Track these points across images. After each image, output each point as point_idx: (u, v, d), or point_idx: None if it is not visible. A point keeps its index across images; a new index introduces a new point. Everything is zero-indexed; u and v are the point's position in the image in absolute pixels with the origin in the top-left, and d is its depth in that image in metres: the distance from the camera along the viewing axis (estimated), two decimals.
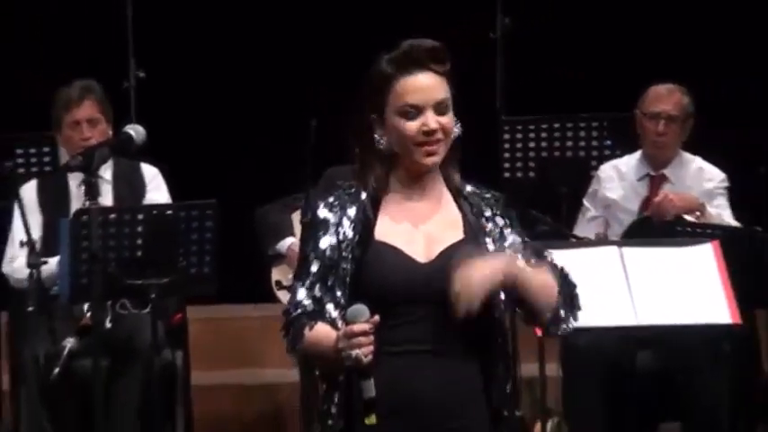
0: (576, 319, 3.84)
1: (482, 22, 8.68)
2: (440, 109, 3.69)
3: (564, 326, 3.77)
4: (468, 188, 3.89)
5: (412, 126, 3.62)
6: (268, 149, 9.15)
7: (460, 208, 3.82)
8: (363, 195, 3.77)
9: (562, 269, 3.84)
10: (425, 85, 3.65)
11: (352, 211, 3.77)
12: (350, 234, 3.71)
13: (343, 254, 3.71)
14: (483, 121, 7.88)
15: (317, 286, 3.74)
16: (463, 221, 3.79)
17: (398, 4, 9.53)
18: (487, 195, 3.90)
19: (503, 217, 3.87)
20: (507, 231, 3.86)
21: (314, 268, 3.74)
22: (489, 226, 3.85)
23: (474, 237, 3.78)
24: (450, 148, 3.79)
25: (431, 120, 3.60)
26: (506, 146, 7.55)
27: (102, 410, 6.37)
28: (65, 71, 8.17)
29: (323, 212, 3.77)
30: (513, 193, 6.92)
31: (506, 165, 7.54)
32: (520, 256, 3.82)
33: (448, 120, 3.71)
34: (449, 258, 3.68)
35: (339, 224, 3.73)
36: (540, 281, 3.76)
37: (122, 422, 6.75)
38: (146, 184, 7.13)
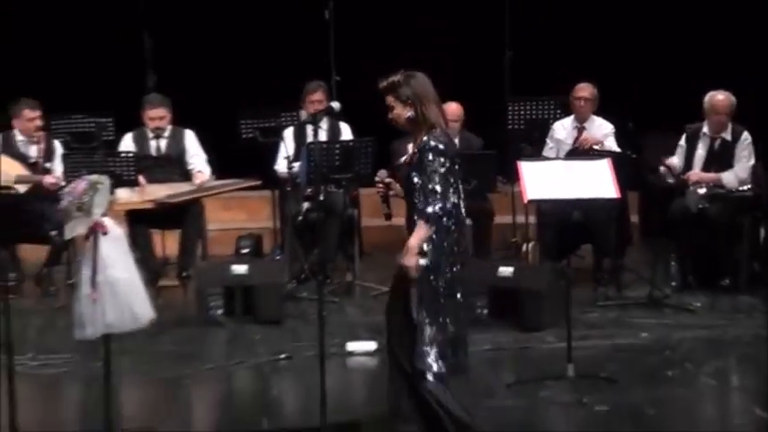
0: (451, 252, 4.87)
1: None
2: (390, 109, 4.97)
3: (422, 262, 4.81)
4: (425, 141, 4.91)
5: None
6: None
7: (414, 153, 4.95)
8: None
9: (429, 218, 4.80)
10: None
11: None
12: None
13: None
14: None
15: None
16: (411, 157, 4.99)
17: None
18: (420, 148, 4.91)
19: (420, 161, 4.88)
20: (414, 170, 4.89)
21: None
22: (414, 161, 4.94)
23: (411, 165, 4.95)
24: (408, 124, 4.97)
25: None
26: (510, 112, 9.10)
27: (322, 238, 8.18)
28: None
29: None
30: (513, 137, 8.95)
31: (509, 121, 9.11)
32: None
33: (392, 115, 4.97)
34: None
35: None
36: (405, 248, 4.84)
37: (328, 246, 8.36)
38: (341, 132, 8.83)
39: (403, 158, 5.22)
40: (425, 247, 4.85)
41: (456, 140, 8.69)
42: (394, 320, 5.00)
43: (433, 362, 4.86)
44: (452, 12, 9.93)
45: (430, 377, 4.86)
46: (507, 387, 6.13)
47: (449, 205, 4.86)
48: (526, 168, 6.28)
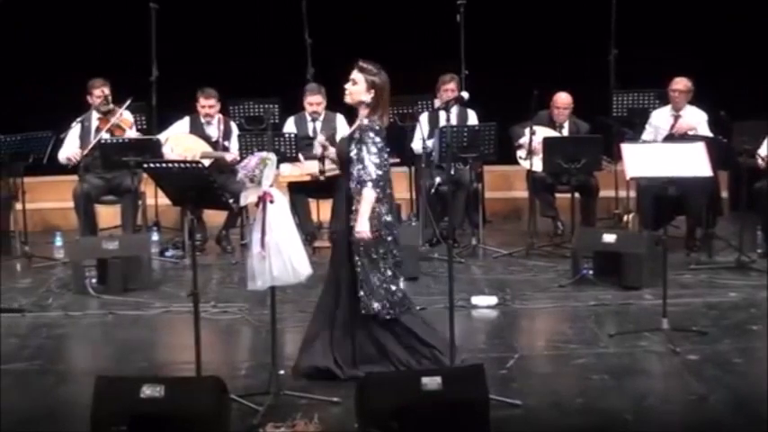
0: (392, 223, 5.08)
1: None
2: (353, 83, 5.08)
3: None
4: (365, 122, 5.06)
5: None
6: None
7: (354, 131, 5.12)
8: None
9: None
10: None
11: None
12: None
13: None
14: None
15: None
16: (351, 133, 5.12)
17: None
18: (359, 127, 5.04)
19: (360, 138, 5.03)
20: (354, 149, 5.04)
21: None
22: (356, 137, 5.06)
23: (351, 139, 5.09)
24: (359, 104, 5.06)
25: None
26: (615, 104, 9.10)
27: (451, 208, 7.97)
28: None
29: None
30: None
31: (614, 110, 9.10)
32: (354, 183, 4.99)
33: (351, 88, 5.06)
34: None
35: None
36: (359, 215, 4.98)
37: (456, 215, 8.45)
38: (468, 117, 8.76)
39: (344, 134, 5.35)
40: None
41: (566, 125, 8.74)
42: (343, 279, 5.14)
43: (379, 303, 5.10)
44: (565, 12, 9.89)
45: (383, 314, 5.10)
46: (609, 337, 6.07)
47: (381, 172, 5.00)
48: (628, 150, 6.26)
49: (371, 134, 4.98)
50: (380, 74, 5.08)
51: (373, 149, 4.96)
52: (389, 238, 5.12)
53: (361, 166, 5.01)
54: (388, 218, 5.12)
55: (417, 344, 5.23)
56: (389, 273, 5.21)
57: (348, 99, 5.13)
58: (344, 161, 5.11)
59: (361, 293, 5.11)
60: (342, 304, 5.17)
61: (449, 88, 8.63)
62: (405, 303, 5.23)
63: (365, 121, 4.99)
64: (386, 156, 5.06)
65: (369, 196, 4.99)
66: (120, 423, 4.24)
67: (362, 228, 4.97)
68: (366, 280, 5.09)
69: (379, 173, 5.01)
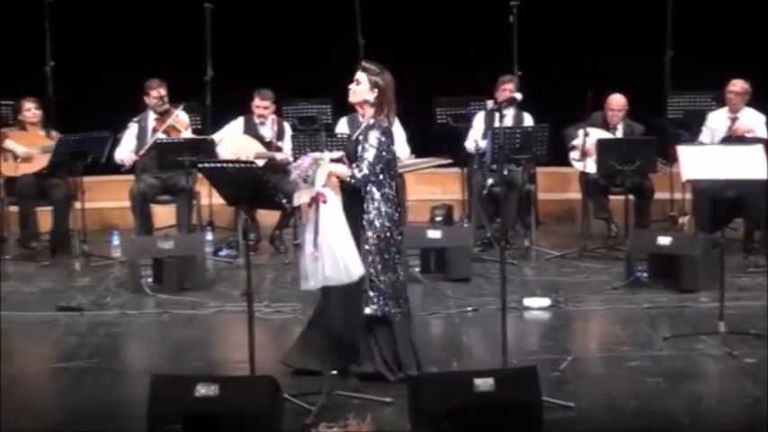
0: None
1: None
2: (357, 82, 5.12)
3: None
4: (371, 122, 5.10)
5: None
6: None
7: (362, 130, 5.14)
8: None
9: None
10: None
11: None
12: None
13: None
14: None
15: None
16: (360, 134, 5.14)
17: None
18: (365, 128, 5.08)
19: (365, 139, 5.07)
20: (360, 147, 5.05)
21: None
22: (362, 137, 5.10)
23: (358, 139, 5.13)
24: (362, 103, 5.12)
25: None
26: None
27: (503, 209, 8.24)
28: None
29: None
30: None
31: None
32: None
33: (355, 88, 5.10)
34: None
35: None
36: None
37: (508, 216, 8.42)
38: (524, 119, 8.63)
39: (354, 135, 5.23)
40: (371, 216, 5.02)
41: (620, 127, 8.68)
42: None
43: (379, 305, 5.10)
44: (619, 13, 9.81)
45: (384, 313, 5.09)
46: (664, 339, 6.02)
47: (375, 170, 5.00)
48: (684, 152, 6.21)
49: (377, 132, 5.01)
50: (384, 74, 5.11)
51: (374, 144, 4.99)
52: (399, 238, 5.14)
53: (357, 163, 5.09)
54: (396, 217, 5.15)
55: (395, 352, 5.22)
56: (401, 273, 5.22)
57: (352, 98, 5.15)
58: (353, 162, 5.13)
59: (371, 294, 5.11)
60: (341, 303, 5.15)
61: (507, 88, 8.57)
62: (403, 305, 5.22)
63: (371, 121, 5.04)
64: (385, 153, 5.06)
65: (347, 174, 5.02)
66: (175, 422, 4.27)
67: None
68: (376, 279, 5.10)
69: (365, 173, 5.02)
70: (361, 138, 5.07)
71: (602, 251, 8.29)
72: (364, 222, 5.03)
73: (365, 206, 5.02)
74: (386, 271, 5.15)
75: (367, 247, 5.03)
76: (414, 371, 5.08)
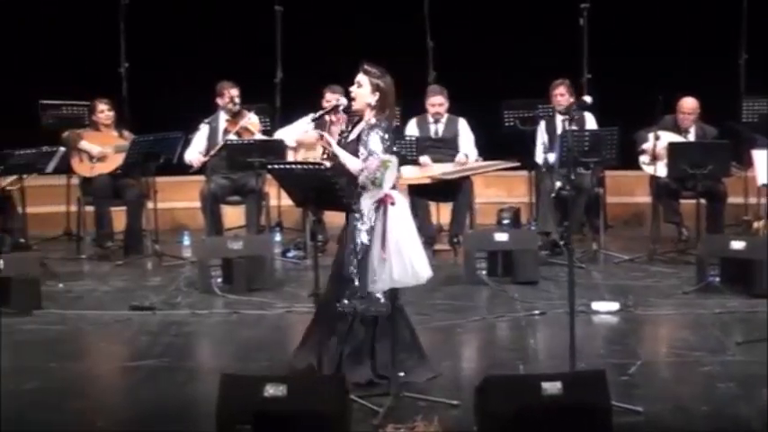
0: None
1: None
2: (358, 85, 5.09)
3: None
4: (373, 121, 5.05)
5: None
6: None
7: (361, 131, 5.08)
8: None
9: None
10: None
11: None
12: None
13: None
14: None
15: None
16: (359, 135, 5.08)
17: None
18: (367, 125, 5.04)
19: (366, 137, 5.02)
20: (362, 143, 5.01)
21: None
22: (363, 137, 5.05)
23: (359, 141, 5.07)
24: (363, 105, 5.07)
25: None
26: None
27: (571, 212, 7.96)
28: None
29: None
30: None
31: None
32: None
33: (356, 91, 5.08)
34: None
35: None
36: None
37: (576, 219, 8.29)
38: (586, 122, 8.53)
39: (352, 136, 5.14)
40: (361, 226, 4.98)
41: (692, 130, 8.58)
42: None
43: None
44: (692, 15, 9.73)
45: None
46: (736, 344, 5.91)
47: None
48: (760, 156, 6.19)
49: (378, 132, 4.98)
50: (385, 77, 5.07)
51: (378, 142, 4.98)
52: None
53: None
54: None
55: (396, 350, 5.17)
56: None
57: (353, 102, 5.13)
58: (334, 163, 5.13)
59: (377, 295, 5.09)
60: (338, 301, 5.15)
61: (557, 93, 8.59)
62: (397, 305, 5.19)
63: (372, 121, 5.02)
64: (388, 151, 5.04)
65: (357, 168, 5.01)
66: (244, 421, 4.29)
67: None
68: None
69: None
70: (363, 138, 5.04)
71: (672, 255, 8.21)
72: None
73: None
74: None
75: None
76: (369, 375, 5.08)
